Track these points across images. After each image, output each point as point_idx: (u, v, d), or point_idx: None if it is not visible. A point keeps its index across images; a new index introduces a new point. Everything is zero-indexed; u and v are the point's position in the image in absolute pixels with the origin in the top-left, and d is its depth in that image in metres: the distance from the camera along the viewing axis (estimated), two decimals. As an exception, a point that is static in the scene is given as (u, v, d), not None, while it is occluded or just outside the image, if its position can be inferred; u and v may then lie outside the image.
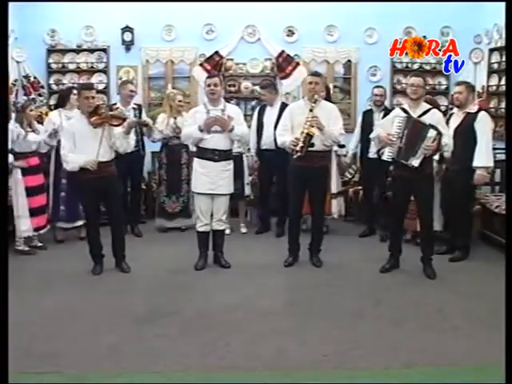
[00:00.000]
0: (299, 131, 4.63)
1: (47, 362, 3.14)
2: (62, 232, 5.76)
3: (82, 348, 3.31)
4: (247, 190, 6.21)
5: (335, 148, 5.93)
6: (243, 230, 6.20)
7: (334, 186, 6.00)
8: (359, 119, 6.14)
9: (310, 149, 4.64)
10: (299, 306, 4.00)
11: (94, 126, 4.53)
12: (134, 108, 5.99)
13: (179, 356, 3.21)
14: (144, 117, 6.10)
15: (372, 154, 5.72)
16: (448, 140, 4.49)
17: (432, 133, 4.40)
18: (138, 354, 3.24)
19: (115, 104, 5.70)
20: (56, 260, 5.13)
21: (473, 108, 5.02)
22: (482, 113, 4.97)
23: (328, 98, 5.81)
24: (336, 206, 6.04)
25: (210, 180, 4.73)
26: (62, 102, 5.70)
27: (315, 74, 4.92)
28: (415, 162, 4.44)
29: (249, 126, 6.18)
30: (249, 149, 6.08)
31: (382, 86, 6.08)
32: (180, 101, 6.00)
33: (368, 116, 5.93)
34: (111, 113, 4.60)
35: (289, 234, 5.08)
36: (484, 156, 4.86)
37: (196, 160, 4.84)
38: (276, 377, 3.01)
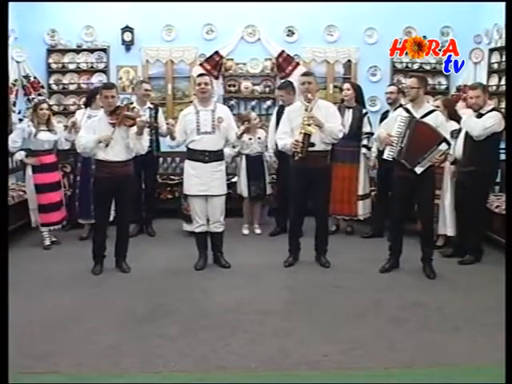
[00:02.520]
0: (298, 133, 4.63)
1: (47, 361, 3.14)
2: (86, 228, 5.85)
3: (81, 348, 3.31)
4: (269, 189, 6.17)
5: (363, 150, 5.86)
6: (257, 230, 6.13)
7: (361, 187, 5.92)
8: (378, 120, 6.01)
9: (310, 149, 4.64)
10: (299, 306, 4.00)
11: (113, 125, 4.57)
12: (149, 108, 5.96)
13: (179, 356, 3.22)
14: (160, 117, 6.08)
15: (386, 155, 5.64)
16: (451, 150, 4.49)
17: (444, 146, 4.38)
18: (138, 354, 3.24)
19: (132, 103, 5.72)
20: (56, 260, 5.13)
21: (486, 109, 4.85)
22: (492, 113, 4.79)
23: (357, 100, 5.79)
24: (362, 208, 5.95)
25: (201, 181, 4.72)
26: (88, 102, 5.78)
27: (306, 73, 4.92)
28: (418, 170, 4.45)
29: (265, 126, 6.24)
30: (266, 146, 6.04)
31: (393, 84, 6.07)
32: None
33: (384, 117, 5.84)
34: (125, 113, 4.63)
35: (289, 234, 5.07)
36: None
37: (186, 162, 4.83)
38: (276, 377, 3.02)
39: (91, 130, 4.62)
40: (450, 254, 5.18)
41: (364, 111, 5.89)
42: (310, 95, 4.64)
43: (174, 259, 5.10)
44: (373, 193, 6.24)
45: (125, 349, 3.30)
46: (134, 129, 4.61)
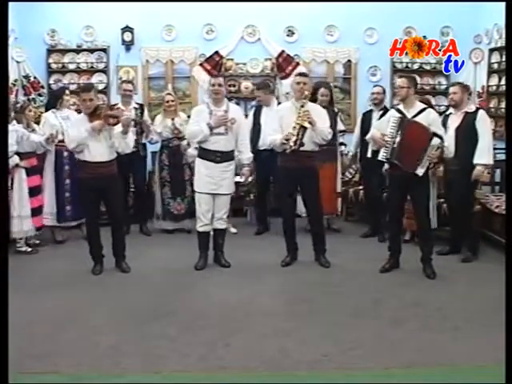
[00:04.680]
0: (291, 128, 4.63)
1: (47, 362, 3.14)
2: (61, 232, 5.75)
3: (81, 348, 3.31)
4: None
5: (342, 148, 5.95)
6: (233, 230, 6.13)
7: (339, 185, 5.97)
8: (359, 120, 6.11)
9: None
10: (299, 306, 4.00)
11: None
12: (135, 108, 5.98)
13: (179, 356, 3.21)
14: (146, 116, 6.10)
15: (370, 154, 5.69)
16: (447, 143, 4.49)
17: (436, 141, 4.40)
18: (138, 354, 3.24)
19: (116, 104, 5.70)
20: (56, 260, 5.13)
21: (471, 108, 5.01)
22: (481, 112, 4.97)
23: (331, 102, 5.81)
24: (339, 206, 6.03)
25: (212, 181, 4.75)
26: (54, 103, 5.66)
27: (302, 74, 4.96)
28: (420, 171, 4.45)
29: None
30: None
31: (380, 85, 6.08)
32: (168, 101, 5.94)
33: (367, 116, 5.91)
34: (108, 112, 4.61)
35: (284, 234, 5.07)
36: (485, 154, 4.85)
37: (199, 160, 4.85)
38: (276, 377, 3.01)
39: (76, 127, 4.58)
40: (445, 252, 5.18)
41: (336, 110, 5.95)
42: (307, 92, 4.68)
43: (174, 259, 5.10)
44: (351, 189, 6.34)
45: (125, 349, 3.30)
46: (119, 128, 4.60)
